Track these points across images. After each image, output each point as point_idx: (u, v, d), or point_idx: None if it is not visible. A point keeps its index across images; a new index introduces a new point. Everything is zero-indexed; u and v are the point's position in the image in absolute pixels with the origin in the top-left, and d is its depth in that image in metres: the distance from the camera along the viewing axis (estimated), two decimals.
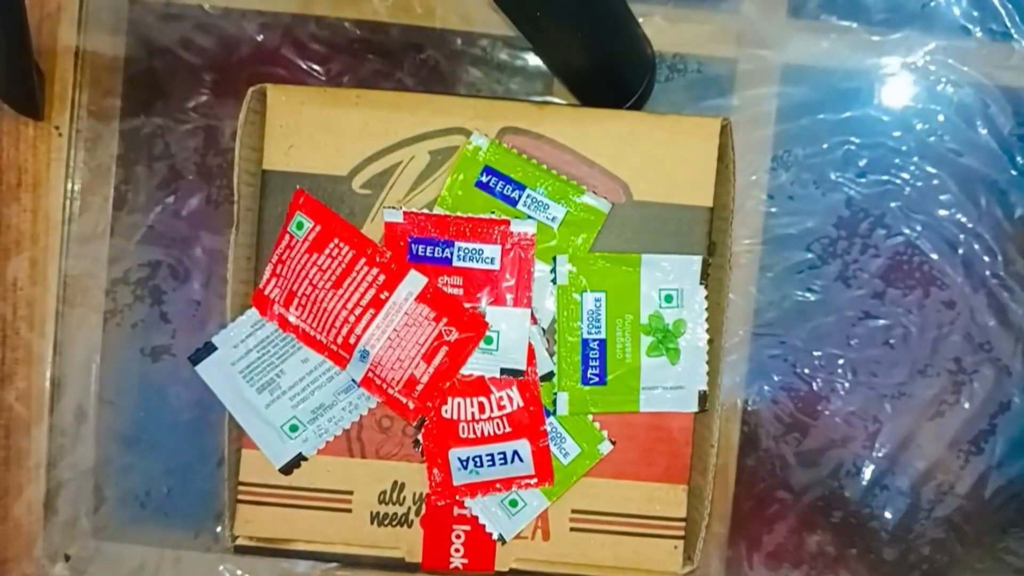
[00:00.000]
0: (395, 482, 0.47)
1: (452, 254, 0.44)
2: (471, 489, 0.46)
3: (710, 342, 0.46)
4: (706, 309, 0.45)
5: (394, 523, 0.47)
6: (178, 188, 0.58)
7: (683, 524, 0.47)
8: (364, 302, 0.44)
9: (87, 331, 0.58)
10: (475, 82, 0.57)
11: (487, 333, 0.44)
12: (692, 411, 0.45)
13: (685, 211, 0.46)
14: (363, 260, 0.44)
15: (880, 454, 0.57)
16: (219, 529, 0.58)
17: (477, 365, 0.44)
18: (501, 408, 0.45)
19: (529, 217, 0.45)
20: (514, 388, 0.45)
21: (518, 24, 0.48)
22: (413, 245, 0.44)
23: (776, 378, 0.57)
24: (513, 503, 0.46)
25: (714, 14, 0.57)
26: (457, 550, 0.47)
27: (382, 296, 0.44)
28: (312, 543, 0.47)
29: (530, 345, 0.45)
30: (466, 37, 0.57)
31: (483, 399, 0.45)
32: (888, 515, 0.57)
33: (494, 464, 0.45)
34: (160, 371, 0.58)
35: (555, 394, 0.45)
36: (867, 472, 0.57)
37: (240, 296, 0.46)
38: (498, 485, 0.45)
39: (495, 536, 0.46)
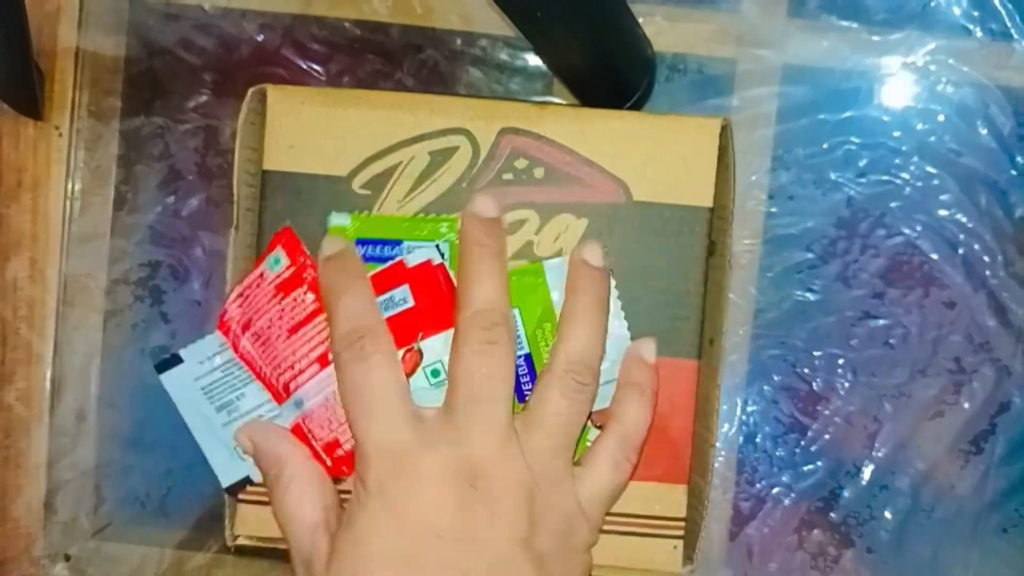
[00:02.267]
0: None
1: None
2: None
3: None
4: (618, 297, 0.45)
5: None
6: (178, 188, 0.58)
7: (683, 524, 0.47)
8: (312, 356, 0.44)
9: (87, 331, 0.58)
10: (475, 82, 0.57)
11: (433, 366, 0.43)
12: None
13: (685, 211, 0.46)
14: (322, 316, 0.44)
15: (880, 454, 0.57)
16: (219, 529, 0.58)
17: (436, 400, 0.43)
18: None
19: None
20: None
21: (518, 24, 0.48)
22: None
23: (776, 378, 0.57)
24: None
25: (714, 14, 0.57)
26: None
27: (330, 356, 0.43)
28: None
29: None
30: (466, 37, 0.57)
31: None
32: (888, 515, 0.57)
33: None
34: None
35: None
36: (867, 472, 0.57)
37: None
38: None
39: None
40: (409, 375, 0.43)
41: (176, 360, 0.46)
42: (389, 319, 0.44)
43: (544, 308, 0.45)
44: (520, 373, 0.44)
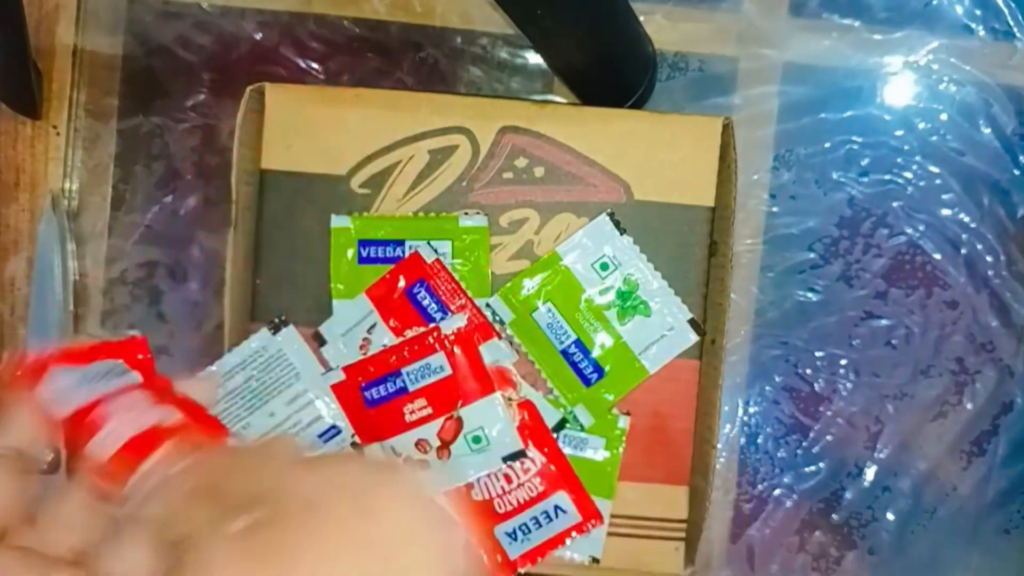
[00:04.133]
0: None
1: (405, 382, 0.44)
2: (530, 558, 0.45)
3: (702, 333, 0.46)
4: (641, 252, 0.45)
5: None
6: (176, 188, 0.57)
7: (684, 526, 0.46)
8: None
9: (85, 331, 0.58)
10: (475, 81, 0.57)
11: (475, 433, 0.44)
12: (693, 342, 0.45)
13: (686, 210, 0.45)
14: None
15: (882, 455, 0.57)
16: None
17: (480, 466, 0.44)
18: (527, 472, 0.45)
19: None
20: (531, 447, 0.45)
21: (518, 22, 0.48)
22: (365, 393, 0.45)
23: (777, 378, 0.57)
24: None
25: (715, 13, 0.57)
26: None
27: None
28: None
29: (531, 403, 0.45)
30: (466, 35, 0.57)
31: (507, 471, 0.45)
32: (890, 516, 0.57)
33: (540, 525, 0.45)
34: (159, 371, 0.57)
35: (571, 412, 0.45)
36: (869, 473, 0.57)
37: (238, 296, 0.46)
38: (553, 542, 0.45)
39: (587, 561, 0.46)
40: (450, 443, 0.44)
41: None
42: (426, 388, 0.44)
43: (574, 290, 0.45)
44: (577, 360, 0.45)
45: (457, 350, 0.44)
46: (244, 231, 0.46)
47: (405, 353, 0.44)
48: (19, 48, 0.53)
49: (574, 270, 0.45)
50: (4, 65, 0.53)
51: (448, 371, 0.44)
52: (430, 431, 0.44)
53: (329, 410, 0.46)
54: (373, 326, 0.45)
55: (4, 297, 0.58)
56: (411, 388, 0.44)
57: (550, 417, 0.45)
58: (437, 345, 0.44)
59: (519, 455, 0.44)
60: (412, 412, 0.44)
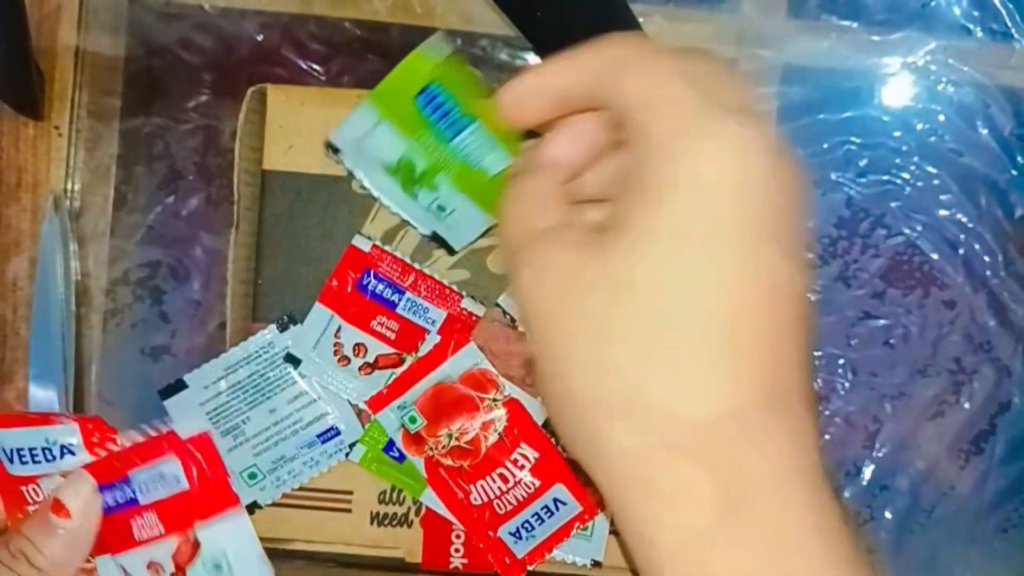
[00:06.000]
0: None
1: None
2: (537, 554, 0.45)
3: None
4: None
5: (394, 523, 0.47)
6: (178, 188, 0.58)
7: None
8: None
9: (87, 331, 0.58)
10: None
11: (215, 559, 0.39)
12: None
13: None
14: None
15: (880, 454, 0.57)
16: None
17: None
18: (521, 468, 0.45)
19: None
20: (523, 445, 0.45)
21: (518, 24, 0.48)
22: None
23: None
24: (584, 528, 0.46)
25: (714, 14, 0.57)
26: (457, 550, 0.47)
27: None
28: (311, 543, 0.47)
29: (516, 401, 0.44)
30: (466, 37, 0.57)
31: (501, 471, 0.45)
32: (888, 515, 0.57)
33: (543, 520, 0.45)
34: (160, 371, 0.58)
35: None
36: (867, 472, 0.57)
37: (240, 296, 0.46)
38: (558, 535, 0.45)
39: (589, 564, 0.46)
40: (184, 567, 0.38)
41: (180, 386, 0.46)
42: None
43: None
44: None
45: (198, 454, 0.40)
46: (246, 231, 0.46)
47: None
48: (21, 49, 0.53)
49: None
50: (6, 66, 0.53)
51: (184, 484, 0.40)
52: (162, 552, 0.39)
53: (331, 411, 0.46)
54: (339, 329, 0.45)
55: (6, 297, 0.58)
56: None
57: (538, 414, 0.45)
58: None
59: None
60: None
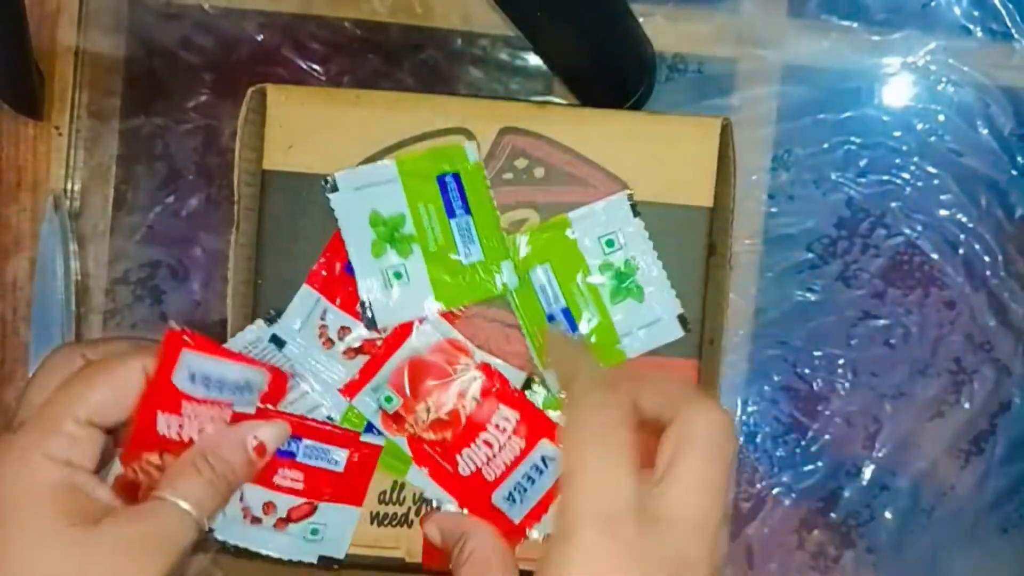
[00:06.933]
0: (395, 482, 0.47)
1: (296, 451, 0.44)
2: (533, 517, 0.45)
3: (687, 329, 0.46)
4: (649, 239, 0.45)
5: (394, 523, 0.47)
6: (178, 188, 0.58)
7: None
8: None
9: (87, 331, 0.58)
10: (475, 82, 0.57)
11: (315, 525, 0.45)
12: (677, 337, 0.45)
13: (685, 211, 0.46)
14: None
15: (880, 454, 0.57)
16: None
17: (285, 550, 0.45)
18: (503, 431, 0.45)
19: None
20: (501, 407, 0.45)
21: (518, 24, 0.48)
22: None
23: (776, 378, 0.57)
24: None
25: (714, 14, 0.57)
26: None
27: None
28: None
29: (488, 365, 0.45)
30: (466, 37, 0.57)
31: (485, 436, 0.45)
32: (888, 515, 0.57)
33: (533, 481, 0.45)
34: None
35: (542, 376, 0.45)
36: (867, 472, 0.57)
37: (240, 296, 0.46)
38: (551, 495, 0.45)
39: None
40: (292, 522, 0.44)
41: None
42: (311, 468, 0.44)
43: (575, 258, 0.45)
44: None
45: (363, 452, 0.45)
46: (246, 231, 0.46)
47: (313, 432, 0.45)
48: (21, 49, 0.53)
49: (580, 240, 0.45)
50: (6, 66, 0.53)
51: (340, 467, 0.45)
52: (284, 502, 0.44)
53: (325, 402, 0.46)
54: (325, 311, 0.45)
55: (6, 297, 0.58)
56: (299, 459, 0.44)
57: (515, 379, 0.45)
58: (347, 445, 0.45)
59: (331, 561, 0.45)
60: (283, 478, 0.44)
